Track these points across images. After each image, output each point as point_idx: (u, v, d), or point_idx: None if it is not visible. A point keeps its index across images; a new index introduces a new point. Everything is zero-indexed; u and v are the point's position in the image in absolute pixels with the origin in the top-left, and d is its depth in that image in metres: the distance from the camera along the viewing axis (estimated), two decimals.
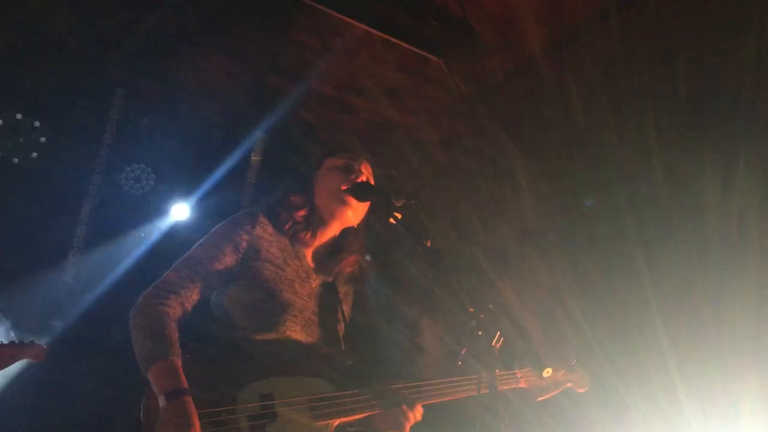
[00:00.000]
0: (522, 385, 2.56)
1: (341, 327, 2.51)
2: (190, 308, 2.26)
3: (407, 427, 2.30)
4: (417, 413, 2.33)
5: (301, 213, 2.49)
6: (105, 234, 4.58)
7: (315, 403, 2.19)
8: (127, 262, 4.50)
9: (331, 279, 2.57)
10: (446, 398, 2.42)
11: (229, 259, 2.34)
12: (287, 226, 2.46)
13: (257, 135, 5.18)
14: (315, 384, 2.24)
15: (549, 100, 5.72)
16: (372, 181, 2.60)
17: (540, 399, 2.63)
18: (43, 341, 3.62)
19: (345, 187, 2.45)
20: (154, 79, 4.95)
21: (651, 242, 5.23)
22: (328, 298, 2.52)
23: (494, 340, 1.71)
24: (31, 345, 3.66)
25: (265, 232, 2.44)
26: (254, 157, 5.05)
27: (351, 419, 2.27)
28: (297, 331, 2.36)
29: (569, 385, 2.70)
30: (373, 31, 5.56)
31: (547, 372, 1.73)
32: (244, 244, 2.37)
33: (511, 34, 5.43)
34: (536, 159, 6.55)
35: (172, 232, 4.78)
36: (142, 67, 4.89)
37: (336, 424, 2.22)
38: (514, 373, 2.54)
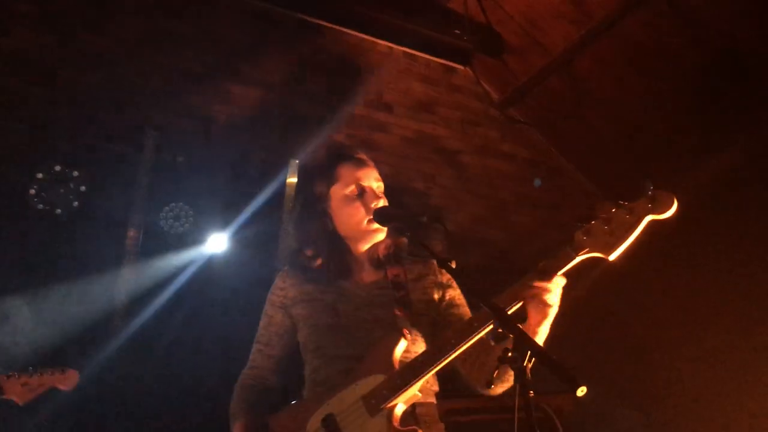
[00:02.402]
0: (585, 254, 2.06)
1: (395, 316, 2.38)
2: (272, 374, 2.54)
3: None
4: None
5: (319, 262, 2.47)
6: (150, 274, 4.66)
7: (366, 399, 2.16)
8: (168, 295, 4.59)
9: (375, 271, 2.51)
10: (515, 306, 2.06)
11: (277, 319, 2.52)
12: (314, 277, 2.48)
13: (291, 162, 5.20)
14: (367, 382, 2.19)
15: (583, 97, 5.62)
16: (382, 183, 2.53)
17: (614, 255, 2.00)
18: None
19: (369, 218, 2.40)
20: (185, 116, 5.02)
21: None
22: (378, 293, 2.45)
23: (525, 360, 1.64)
24: (61, 371, 3.40)
25: (296, 278, 2.52)
26: (289, 184, 5.07)
27: (411, 393, 2.15)
28: (349, 346, 2.33)
29: (651, 216, 2.01)
30: (396, 46, 5.57)
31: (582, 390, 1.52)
32: (282, 300, 2.52)
33: (536, 34, 5.36)
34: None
35: (211, 264, 4.86)
36: (172, 106, 4.97)
37: (396, 407, 2.15)
38: (566, 249, 2.07)
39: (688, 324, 5.39)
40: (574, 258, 2.07)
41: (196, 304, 4.64)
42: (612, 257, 2.02)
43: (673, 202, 1.98)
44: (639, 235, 2.03)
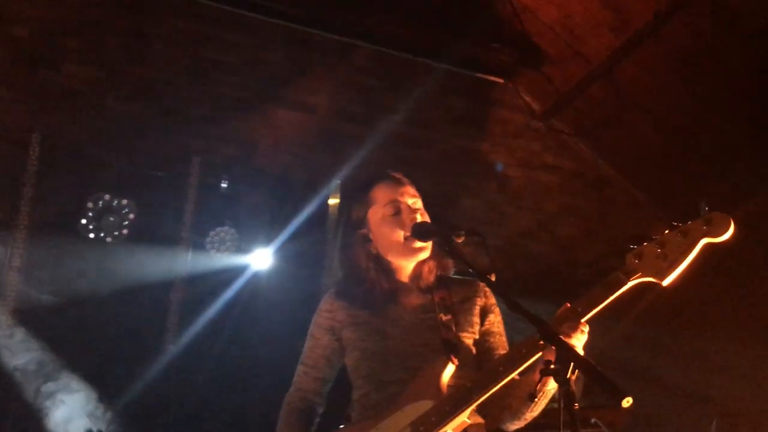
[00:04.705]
0: (637, 278, 1.99)
1: (443, 340, 2.33)
2: (318, 396, 2.51)
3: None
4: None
5: (366, 288, 2.43)
6: (200, 298, 4.79)
7: (415, 426, 2.11)
8: (216, 310, 4.75)
9: (422, 294, 2.45)
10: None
11: (324, 342, 2.48)
12: (362, 302, 2.44)
13: (333, 182, 5.24)
14: (415, 408, 2.14)
15: (627, 105, 5.52)
16: (420, 198, 2.48)
17: (668, 281, 1.95)
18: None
19: (408, 234, 2.34)
20: (229, 141, 5.12)
21: None
22: (425, 316, 2.40)
23: (569, 372, 1.60)
24: None
25: (343, 302, 2.48)
26: (332, 204, 5.12)
27: (460, 420, 2.09)
28: (399, 370, 2.29)
29: (706, 239, 1.93)
30: (435, 63, 5.58)
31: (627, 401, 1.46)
32: (329, 323, 2.48)
33: (576, 43, 5.30)
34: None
35: (256, 281, 5.04)
36: (215, 132, 5.07)
37: None
38: (617, 274, 2.00)
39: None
40: (626, 283, 1.99)
41: (243, 317, 4.83)
42: (666, 282, 1.95)
43: (729, 225, 1.89)
44: (694, 258, 1.93)
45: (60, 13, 4.71)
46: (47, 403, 4.47)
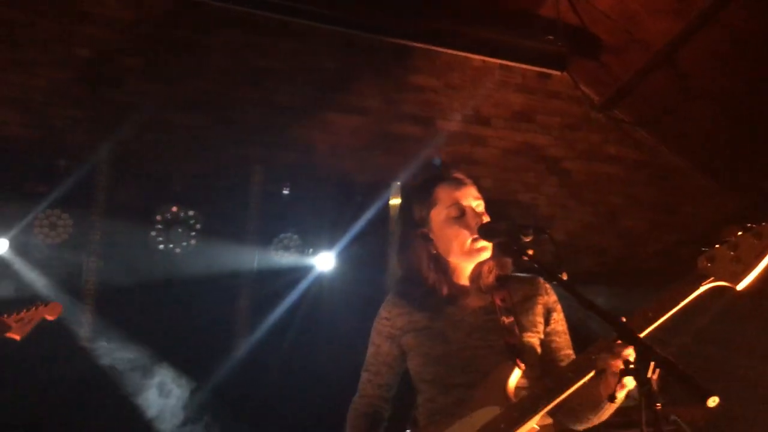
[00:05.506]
0: (710, 283, 1.92)
1: (506, 344, 2.30)
2: (383, 401, 2.54)
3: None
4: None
5: (426, 288, 2.41)
6: (266, 300, 4.93)
7: None
8: (282, 310, 4.97)
9: (482, 295, 2.41)
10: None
11: (385, 349, 2.49)
12: (421, 303, 2.42)
13: (394, 184, 5.27)
14: (483, 414, 2.12)
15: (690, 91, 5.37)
16: (482, 201, 2.44)
17: (743, 285, 1.87)
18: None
19: (474, 236, 2.32)
20: (288, 148, 5.19)
21: None
22: (487, 318, 2.36)
23: (650, 372, 1.57)
24: (45, 304, 3.47)
25: (402, 307, 2.47)
26: (392, 206, 5.15)
27: (528, 426, 2.04)
28: (464, 374, 2.28)
29: None
30: (490, 59, 5.53)
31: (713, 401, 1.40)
32: (390, 330, 2.48)
33: (635, 30, 5.18)
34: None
35: (320, 282, 5.20)
36: (274, 140, 5.15)
37: None
38: (689, 279, 1.94)
39: None
40: (698, 287, 1.92)
41: (308, 317, 5.04)
42: (740, 286, 1.88)
43: None
44: None
45: (119, 33, 4.87)
46: (138, 399, 4.69)
